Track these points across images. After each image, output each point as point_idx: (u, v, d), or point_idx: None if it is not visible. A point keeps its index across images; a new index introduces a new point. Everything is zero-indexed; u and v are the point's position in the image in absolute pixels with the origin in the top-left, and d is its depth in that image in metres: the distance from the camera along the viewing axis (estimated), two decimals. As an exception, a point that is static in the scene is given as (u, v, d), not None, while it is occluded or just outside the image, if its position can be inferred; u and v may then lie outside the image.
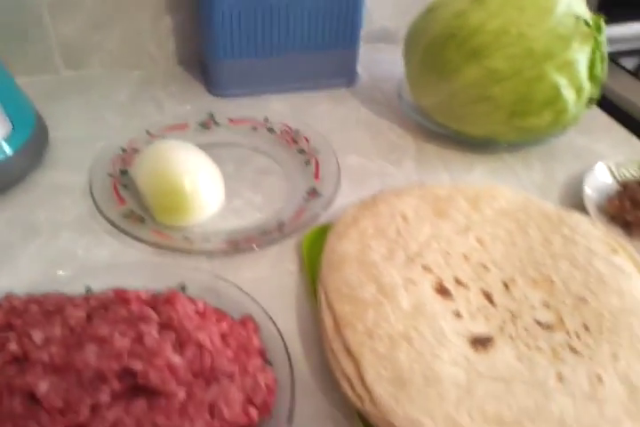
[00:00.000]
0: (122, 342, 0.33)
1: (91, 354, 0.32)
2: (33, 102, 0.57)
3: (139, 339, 0.33)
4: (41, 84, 0.66)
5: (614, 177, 0.57)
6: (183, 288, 0.42)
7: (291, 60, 0.66)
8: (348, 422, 0.37)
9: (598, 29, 0.53)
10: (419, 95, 0.60)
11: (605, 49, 0.55)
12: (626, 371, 0.37)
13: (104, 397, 0.31)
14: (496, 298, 0.41)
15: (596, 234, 0.46)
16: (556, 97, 0.52)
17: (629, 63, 0.80)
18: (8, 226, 0.49)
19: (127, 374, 0.32)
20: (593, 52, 0.53)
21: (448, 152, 0.62)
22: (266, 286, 0.45)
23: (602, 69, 0.55)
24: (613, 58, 0.79)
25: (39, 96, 0.60)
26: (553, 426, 0.34)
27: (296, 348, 0.41)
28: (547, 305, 0.41)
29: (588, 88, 0.55)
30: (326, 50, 0.66)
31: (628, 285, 0.42)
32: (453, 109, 0.57)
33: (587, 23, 0.52)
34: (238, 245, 0.46)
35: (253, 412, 0.34)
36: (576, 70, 0.52)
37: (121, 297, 0.36)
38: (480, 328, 0.39)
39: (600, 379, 0.37)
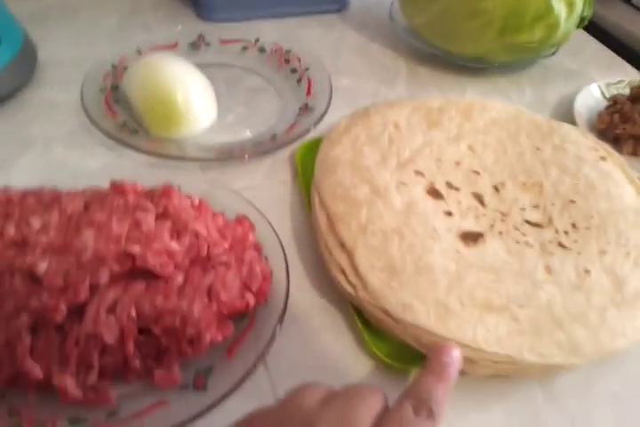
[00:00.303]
0: (119, 228, 0.34)
1: (89, 238, 0.33)
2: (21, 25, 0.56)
3: (136, 225, 0.34)
4: (26, 8, 0.64)
5: (604, 96, 0.57)
6: (179, 188, 0.42)
7: (281, -17, 0.65)
8: (341, 314, 0.39)
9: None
10: (410, 14, 0.59)
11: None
12: (612, 265, 0.38)
13: (103, 277, 0.32)
14: (486, 199, 0.42)
15: (585, 142, 0.47)
16: (547, 10, 0.52)
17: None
18: (3, 140, 0.49)
19: (126, 257, 0.33)
20: (586, -35, 0.52)
21: (440, 75, 0.62)
22: (260, 194, 0.45)
23: (594, -15, 0.54)
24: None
25: (27, 20, 0.59)
26: (541, 312, 0.35)
27: (291, 251, 0.42)
28: (536, 206, 0.42)
29: (580, 4, 0.55)
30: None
31: (616, 189, 0.43)
32: (445, 27, 0.56)
33: None
34: (232, 153, 0.47)
35: (250, 296, 0.35)
36: (569, -17, 0.52)
37: (118, 189, 0.36)
38: (470, 225, 0.40)
39: (587, 271, 0.38)
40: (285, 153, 0.50)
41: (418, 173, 0.43)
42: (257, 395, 0.34)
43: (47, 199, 0.36)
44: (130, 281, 0.33)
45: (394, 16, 0.64)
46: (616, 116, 0.53)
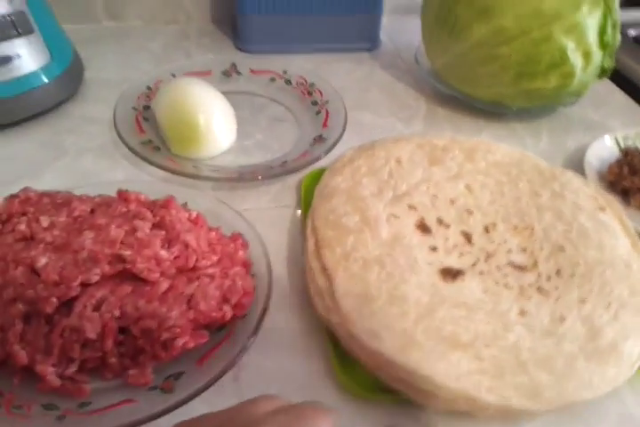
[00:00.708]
0: (116, 232, 0.37)
1: (87, 239, 0.36)
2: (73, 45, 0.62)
3: (132, 232, 0.37)
4: (83, 31, 0.71)
5: (620, 148, 0.58)
6: (184, 205, 0.45)
7: (316, 21, 0.69)
8: (319, 339, 0.40)
9: (610, -5, 0.53)
10: (432, 56, 0.62)
11: (618, 16, 0.55)
12: (590, 314, 0.38)
13: (94, 276, 0.35)
14: (474, 238, 0.43)
15: (586, 191, 0.47)
16: (562, 59, 0.53)
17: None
18: (40, 147, 0.54)
19: (118, 260, 0.36)
20: (604, 18, 0.53)
21: (458, 117, 0.63)
22: (262, 217, 0.48)
23: (613, 37, 0.55)
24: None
25: (80, 42, 0.66)
26: (506, 353, 0.35)
27: (281, 272, 0.44)
28: (524, 249, 0.42)
29: (599, 55, 0.56)
30: (351, 13, 0.69)
31: (609, 241, 0.43)
32: (462, 70, 0.58)
33: (600, -12, 0.52)
34: (242, 175, 0.50)
35: (227, 309, 0.37)
36: (584, 34, 0.53)
37: (122, 197, 0.40)
38: (452, 262, 0.41)
39: (563, 318, 0.38)
40: (294, 180, 0.52)
41: (411, 207, 0.44)
42: (223, 406, 0.36)
43: (60, 201, 0.39)
44: (119, 283, 0.36)
45: (418, 58, 0.66)
46: (625, 169, 0.53)
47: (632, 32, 0.82)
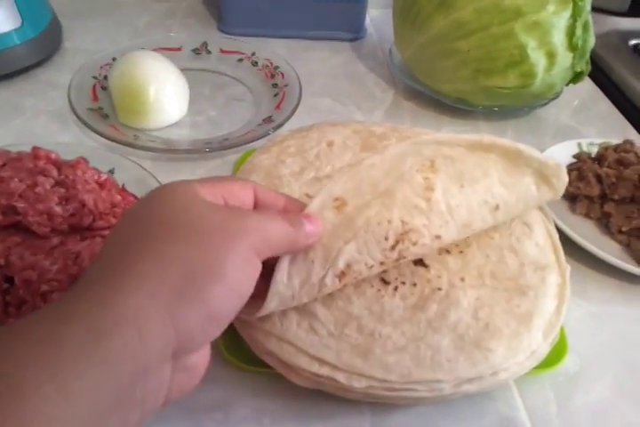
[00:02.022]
0: (17, 185, 0.38)
1: (-13, 189, 0.37)
2: (60, 17, 0.65)
3: (33, 187, 0.38)
4: (75, 3, 0.73)
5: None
6: (111, 171, 0.46)
7: (300, 8, 0.68)
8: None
9: (581, -5, 0.51)
10: (400, 47, 0.61)
11: (589, 18, 0.53)
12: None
13: (-15, 225, 0.36)
14: (384, 225, 0.42)
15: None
16: (521, 58, 0.51)
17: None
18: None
19: (12, 212, 0.37)
20: (573, 19, 0.52)
21: (423, 112, 0.62)
22: (191, 188, 0.48)
23: (584, 39, 0.53)
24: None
25: (70, 14, 0.69)
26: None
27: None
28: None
29: (567, 57, 0.54)
30: (334, 2, 0.68)
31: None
32: (426, 64, 0.57)
33: (568, -14, 0.51)
34: (177, 148, 0.50)
35: (114, 269, 0.37)
36: (548, 33, 0.51)
37: (34, 153, 0.40)
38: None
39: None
40: (234, 157, 0.52)
41: (329, 189, 0.44)
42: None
43: (-20, 154, 0.41)
44: (11, 234, 0.37)
45: (392, 49, 0.66)
46: (574, 174, 0.51)
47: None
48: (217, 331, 0.26)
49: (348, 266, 0.32)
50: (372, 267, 0.33)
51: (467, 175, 0.37)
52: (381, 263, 0.33)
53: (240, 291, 0.26)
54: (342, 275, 0.32)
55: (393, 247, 0.33)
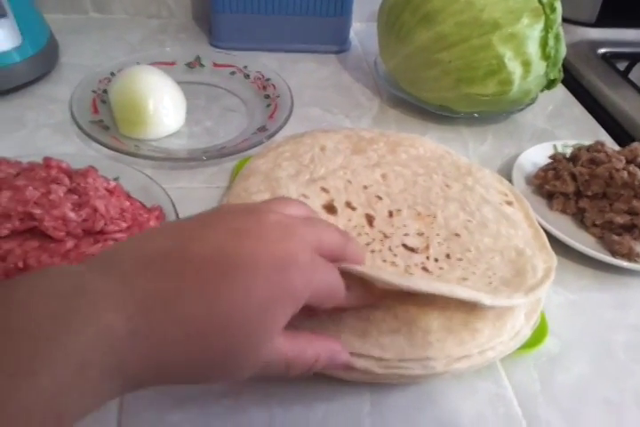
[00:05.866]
0: (32, 193, 0.40)
1: (4, 197, 0.39)
2: (56, 34, 0.68)
3: (47, 194, 0.40)
4: (70, 21, 0.76)
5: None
6: (116, 179, 0.49)
7: (287, 22, 0.72)
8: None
9: (552, 9, 0.55)
10: (385, 58, 0.64)
11: (560, 30, 0.57)
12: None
13: (4, 231, 0.38)
14: (376, 222, 0.45)
15: (497, 186, 0.49)
16: (499, 67, 0.55)
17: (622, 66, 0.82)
18: (0, 119, 0.58)
19: (29, 218, 0.39)
20: (545, 31, 0.56)
21: (408, 118, 0.66)
22: (190, 195, 0.51)
23: (556, 49, 0.57)
24: (608, 58, 0.80)
25: (65, 30, 0.72)
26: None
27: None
28: (420, 234, 0.44)
29: (541, 66, 0.58)
30: (320, 16, 0.72)
31: (507, 231, 0.45)
32: (409, 74, 0.61)
33: (539, 0, 0.55)
34: (178, 156, 0.53)
35: (126, 269, 0.40)
36: (523, 44, 0.55)
37: (46, 163, 0.43)
38: (350, 242, 0.43)
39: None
40: (231, 164, 0.55)
41: (324, 189, 0.47)
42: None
43: (-7, 164, 0.43)
44: (28, 238, 0.39)
45: (377, 61, 0.69)
46: (550, 173, 0.54)
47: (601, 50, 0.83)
48: None
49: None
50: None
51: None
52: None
53: None
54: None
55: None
